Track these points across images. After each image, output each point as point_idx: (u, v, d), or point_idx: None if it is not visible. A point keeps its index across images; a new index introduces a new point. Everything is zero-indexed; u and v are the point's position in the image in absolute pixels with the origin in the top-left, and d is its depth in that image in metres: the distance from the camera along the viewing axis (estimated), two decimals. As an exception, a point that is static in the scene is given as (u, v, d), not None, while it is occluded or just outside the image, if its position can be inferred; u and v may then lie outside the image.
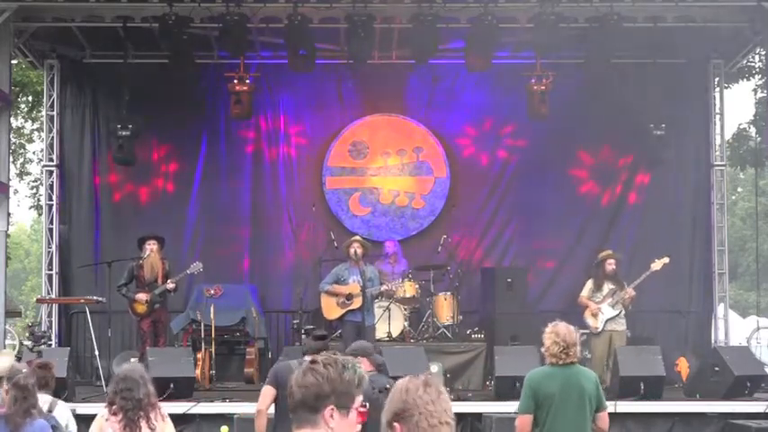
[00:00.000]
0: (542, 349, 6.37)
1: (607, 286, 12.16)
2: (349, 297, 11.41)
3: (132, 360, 12.14)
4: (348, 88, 14.89)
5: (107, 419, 5.51)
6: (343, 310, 11.47)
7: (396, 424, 2.90)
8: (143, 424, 5.41)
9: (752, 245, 29.05)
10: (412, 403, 2.92)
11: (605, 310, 12.04)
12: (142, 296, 11.77)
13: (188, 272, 11.98)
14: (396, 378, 7.25)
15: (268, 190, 14.89)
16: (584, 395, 6.24)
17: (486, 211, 14.90)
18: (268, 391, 6.75)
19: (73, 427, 6.89)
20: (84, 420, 9.85)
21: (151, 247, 11.91)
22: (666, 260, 12.16)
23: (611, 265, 12.16)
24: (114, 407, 5.41)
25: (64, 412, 6.77)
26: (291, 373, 7.08)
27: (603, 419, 6.38)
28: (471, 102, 14.96)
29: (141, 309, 11.83)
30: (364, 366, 6.97)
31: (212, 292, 12.34)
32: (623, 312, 12.10)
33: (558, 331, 6.30)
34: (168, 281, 11.79)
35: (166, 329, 12.26)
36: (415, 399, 2.92)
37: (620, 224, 14.75)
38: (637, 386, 10.71)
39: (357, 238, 11.94)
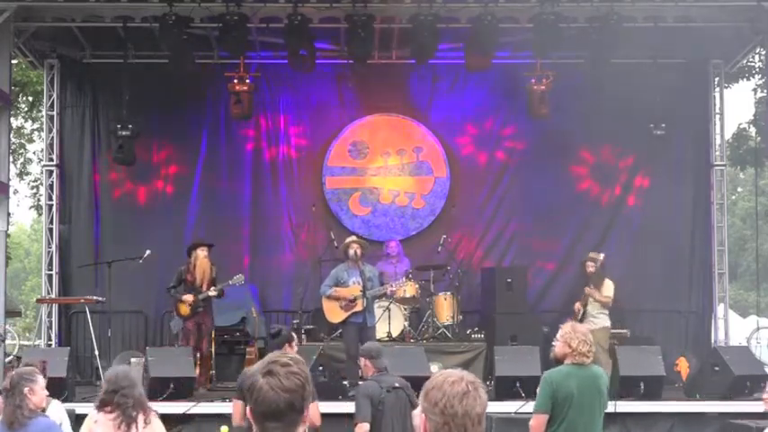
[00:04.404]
0: (560, 350, 6.31)
1: (588, 287, 12.25)
2: (352, 300, 11.37)
3: (133, 360, 12.20)
4: (348, 88, 14.89)
5: (96, 421, 5.50)
6: (347, 313, 11.42)
7: (423, 415, 2.85)
8: (140, 420, 5.43)
9: (752, 245, 29.04)
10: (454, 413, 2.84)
11: (586, 310, 12.12)
12: (188, 297, 11.88)
13: (230, 282, 12.02)
14: (404, 377, 7.31)
15: (268, 190, 14.89)
16: (599, 396, 6.27)
17: (486, 211, 14.90)
18: (238, 405, 6.82)
19: (67, 426, 6.88)
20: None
21: (204, 253, 11.99)
22: (601, 256, 12.24)
23: (588, 267, 12.30)
24: (110, 405, 5.42)
25: (57, 411, 6.76)
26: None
27: None
28: (471, 102, 14.96)
29: (185, 310, 11.93)
30: (367, 367, 7.05)
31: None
32: (597, 311, 12.03)
33: (581, 330, 6.33)
34: (211, 288, 11.89)
35: (210, 332, 12.24)
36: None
37: (619, 224, 14.74)
38: (637, 386, 10.70)
39: (354, 238, 11.92)
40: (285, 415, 2.73)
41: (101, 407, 5.50)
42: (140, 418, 5.45)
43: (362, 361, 7.24)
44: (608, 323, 12.07)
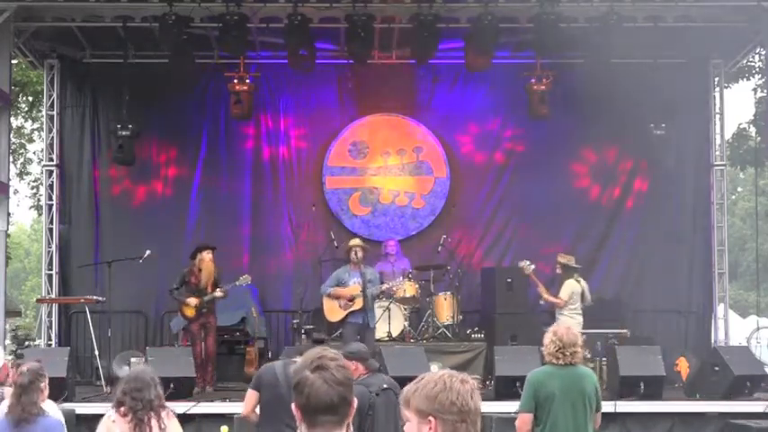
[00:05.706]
0: (542, 348, 6.40)
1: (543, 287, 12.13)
2: (351, 299, 11.42)
3: (133, 360, 12.20)
4: (348, 88, 14.89)
5: (114, 421, 5.48)
6: (346, 312, 11.49)
7: (431, 419, 2.86)
8: (153, 423, 5.39)
9: (752, 245, 29.08)
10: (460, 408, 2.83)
11: None
12: (192, 300, 11.82)
13: (236, 283, 12.00)
14: (396, 378, 7.23)
15: (268, 190, 14.89)
16: (584, 396, 6.27)
17: (486, 211, 14.90)
18: (251, 395, 6.80)
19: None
20: (85, 420, 9.89)
21: (210, 255, 11.97)
22: (527, 263, 12.09)
23: (556, 269, 12.13)
24: (123, 407, 5.39)
25: (53, 413, 6.74)
26: (275, 375, 7.07)
27: (596, 420, 6.45)
28: (471, 102, 14.96)
29: (190, 312, 11.89)
30: (358, 370, 6.98)
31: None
32: (558, 312, 11.86)
33: (556, 331, 6.37)
34: (217, 289, 11.87)
35: (215, 329, 12.21)
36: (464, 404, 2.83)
37: (619, 224, 14.74)
38: (637, 386, 10.71)
39: (357, 241, 11.98)
40: (340, 407, 2.78)
41: (116, 407, 5.50)
42: (153, 421, 5.40)
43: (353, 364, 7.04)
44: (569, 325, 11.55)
